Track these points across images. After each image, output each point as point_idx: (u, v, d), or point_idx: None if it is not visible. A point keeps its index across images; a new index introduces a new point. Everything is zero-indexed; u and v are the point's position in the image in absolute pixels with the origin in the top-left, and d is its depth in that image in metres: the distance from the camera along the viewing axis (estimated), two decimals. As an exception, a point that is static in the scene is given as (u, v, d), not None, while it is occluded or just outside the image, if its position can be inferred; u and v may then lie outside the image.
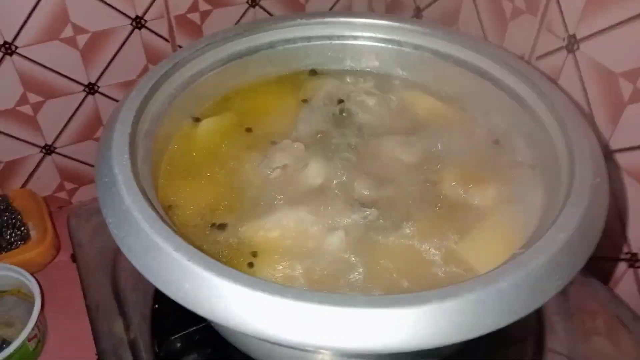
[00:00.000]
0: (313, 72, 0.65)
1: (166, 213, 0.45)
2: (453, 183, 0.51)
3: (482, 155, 0.54)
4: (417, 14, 0.85)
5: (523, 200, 0.49)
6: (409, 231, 0.48)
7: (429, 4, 0.82)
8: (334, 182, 0.52)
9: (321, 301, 0.34)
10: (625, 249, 0.64)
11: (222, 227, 0.48)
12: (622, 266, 0.65)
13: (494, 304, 0.35)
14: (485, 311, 0.35)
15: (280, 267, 0.44)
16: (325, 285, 0.44)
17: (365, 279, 0.44)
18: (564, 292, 0.54)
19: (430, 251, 0.47)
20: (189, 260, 0.36)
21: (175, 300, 0.36)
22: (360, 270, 0.45)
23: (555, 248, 0.38)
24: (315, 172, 0.51)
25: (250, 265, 0.45)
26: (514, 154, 0.54)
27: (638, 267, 0.63)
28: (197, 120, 0.58)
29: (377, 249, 0.46)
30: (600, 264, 0.67)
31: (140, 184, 0.42)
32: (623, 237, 0.64)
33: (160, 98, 0.53)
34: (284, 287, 0.35)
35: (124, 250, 0.39)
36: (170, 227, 0.39)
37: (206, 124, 0.57)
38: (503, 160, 0.55)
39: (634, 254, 0.63)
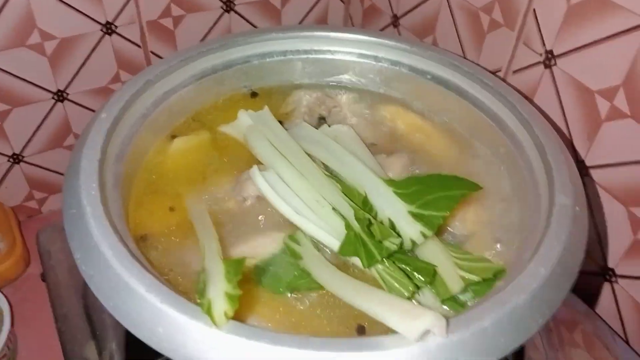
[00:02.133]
0: (291, 87, 0.64)
1: (140, 243, 0.43)
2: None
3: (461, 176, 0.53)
4: (395, 21, 0.84)
5: (502, 224, 0.49)
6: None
7: (406, 12, 0.81)
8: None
9: (300, 345, 0.33)
10: (602, 264, 0.64)
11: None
12: (599, 281, 0.65)
13: (476, 345, 0.35)
14: (467, 352, 0.34)
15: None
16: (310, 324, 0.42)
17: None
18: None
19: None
20: (162, 303, 0.35)
21: (149, 345, 0.34)
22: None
23: (536, 284, 0.37)
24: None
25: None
26: (494, 176, 0.53)
27: (614, 282, 0.64)
28: (173, 137, 0.56)
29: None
30: (579, 278, 0.68)
31: (110, 217, 0.40)
32: (600, 253, 0.64)
33: (131, 118, 0.51)
34: (261, 331, 0.34)
35: (92, 289, 0.37)
36: (142, 264, 0.38)
37: (179, 143, 0.55)
38: (482, 181, 0.54)
39: (611, 269, 0.64)
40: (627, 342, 0.65)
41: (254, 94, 0.63)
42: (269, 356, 0.33)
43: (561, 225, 0.41)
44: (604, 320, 0.65)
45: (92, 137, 0.46)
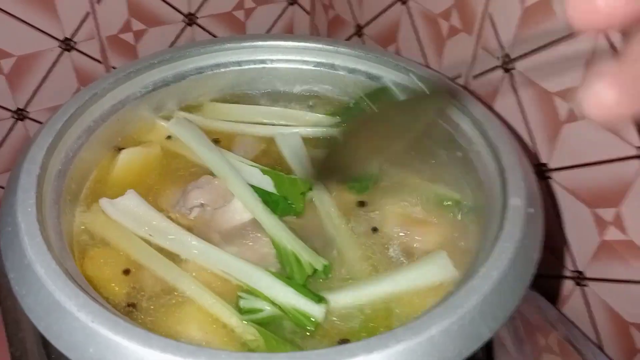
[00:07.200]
0: (246, 97, 0.63)
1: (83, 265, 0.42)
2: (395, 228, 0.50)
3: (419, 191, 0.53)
4: (358, 31, 0.83)
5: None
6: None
7: (369, 22, 0.80)
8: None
9: (238, 361, 0.32)
10: (571, 267, 0.63)
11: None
12: (569, 284, 0.64)
13: (425, 353, 0.33)
14: (416, 361, 0.33)
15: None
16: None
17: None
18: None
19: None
20: (92, 322, 0.33)
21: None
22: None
23: (487, 288, 0.36)
24: (239, 210, 0.48)
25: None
26: (448, 182, 0.52)
27: (584, 285, 0.63)
28: (119, 149, 0.55)
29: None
30: (549, 282, 0.67)
31: (47, 234, 0.39)
32: (569, 255, 0.63)
33: (76, 132, 0.49)
34: (197, 349, 0.32)
35: (25, 309, 0.35)
36: (76, 283, 0.36)
37: (126, 155, 0.53)
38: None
39: (580, 272, 0.63)
40: (600, 346, 0.64)
41: None
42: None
43: (514, 226, 0.40)
44: (576, 326, 0.64)
45: (32, 153, 0.44)
